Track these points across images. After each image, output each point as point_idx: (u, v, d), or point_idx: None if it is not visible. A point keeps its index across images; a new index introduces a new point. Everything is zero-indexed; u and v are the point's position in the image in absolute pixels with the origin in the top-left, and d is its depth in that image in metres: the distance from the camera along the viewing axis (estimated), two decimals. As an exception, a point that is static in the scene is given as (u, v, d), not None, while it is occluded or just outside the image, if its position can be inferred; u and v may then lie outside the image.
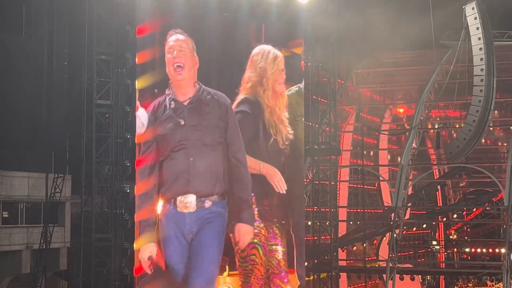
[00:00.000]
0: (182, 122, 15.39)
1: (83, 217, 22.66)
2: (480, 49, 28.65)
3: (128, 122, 22.08)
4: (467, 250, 48.98)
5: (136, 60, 20.74)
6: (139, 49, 20.65)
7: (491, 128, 40.22)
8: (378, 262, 36.88)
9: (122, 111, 22.64)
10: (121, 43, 22.61)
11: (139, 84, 20.24)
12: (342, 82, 36.05)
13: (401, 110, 42.45)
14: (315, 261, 30.11)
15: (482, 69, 29.07)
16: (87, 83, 22.64)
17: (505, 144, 42.40)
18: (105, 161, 22.89)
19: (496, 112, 38.85)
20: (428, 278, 47.29)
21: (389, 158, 42.72)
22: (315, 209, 30.45)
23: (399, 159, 34.87)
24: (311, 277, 30.39)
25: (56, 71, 27.52)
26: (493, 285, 41.38)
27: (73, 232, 26.56)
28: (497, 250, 43.70)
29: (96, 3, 22.46)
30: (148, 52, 20.58)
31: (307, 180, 29.89)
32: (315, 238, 30.37)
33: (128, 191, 22.06)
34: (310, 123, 29.85)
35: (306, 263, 26.38)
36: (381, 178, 38.39)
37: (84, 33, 22.70)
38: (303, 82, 23.72)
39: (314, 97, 30.21)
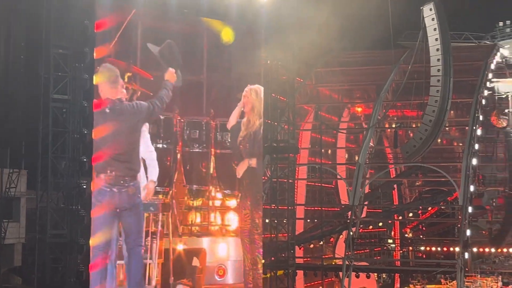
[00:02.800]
0: None
1: (38, 212, 22.46)
2: (437, 50, 28.92)
3: (86, 118, 21.87)
4: (422, 248, 49.55)
5: (95, 55, 20.63)
6: (97, 44, 20.57)
7: (447, 128, 40.66)
8: (334, 260, 37.04)
9: (80, 106, 22.46)
10: (79, 38, 22.41)
11: (96, 79, 20.22)
12: (301, 80, 36.16)
13: (359, 109, 42.73)
14: (272, 258, 30.16)
15: (439, 70, 29.35)
16: (44, 78, 22.40)
17: (461, 144, 42.93)
18: (61, 156, 22.69)
19: (452, 112, 39.32)
20: (384, 276, 47.69)
21: (346, 156, 42.98)
22: (273, 207, 30.50)
23: (356, 157, 35.11)
24: (268, 274, 30.42)
25: (12, 65, 27.11)
26: (447, 283, 41.79)
27: (28, 228, 26.16)
28: (451, 249, 44.25)
29: (55, -3, 22.28)
30: (106, 47, 20.52)
31: (265, 178, 29.92)
32: (272, 235, 30.42)
33: (84, 187, 21.87)
34: (269, 121, 29.88)
35: (263, 261, 26.53)
36: (338, 177, 38.60)
37: (41, 27, 22.47)
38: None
39: (273, 95, 30.27)
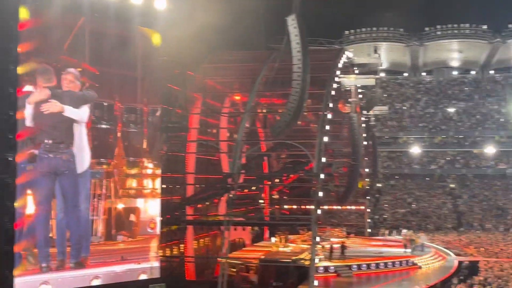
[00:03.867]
0: None
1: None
2: (298, 51, 29.46)
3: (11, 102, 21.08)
4: (286, 207, 50.75)
5: (19, 49, 20.46)
6: (21, 41, 20.45)
7: (305, 113, 41.58)
8: (217, 217, 37.32)
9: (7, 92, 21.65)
10: (5, 35, 21.50)
11: (20, 70, 20.44)
12: (192, 74, 35.99)
13: (238, 98, 43.00)
14: (168, 216, 30.15)
15: (299, 67, 29.95)
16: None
17: (315, 126, 43.98)
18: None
19: (309, 100, 40.17)
20: (256, 228, 48.52)
21: (228, 135, 43.16)
22: (168, 175, 30.41)
23: (235, 135, 35.36)
24: (164, 229, 30.41)
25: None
26: (304, 233, 43.11)
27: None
28: (308, 207, 45.61)
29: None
30: (28, 44, 20.49)
31: (163, 152, 29.77)
32: (168, 198, 30.37)
33: (10, 159, 21.07)
34: (165, 106, 29.74)
35: (161, 218, 26.52)
36: (221, 151, 38.82)
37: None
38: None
39: (169, 85, 30.11)
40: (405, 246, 43.98)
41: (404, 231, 50.58)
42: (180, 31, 28.04)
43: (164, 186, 29.97)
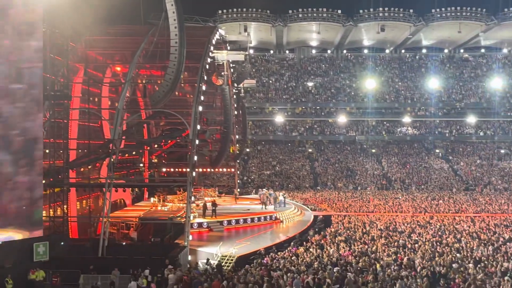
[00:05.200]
0: None
1: None
2: (175, 27, 29.32)
3: None
4: (164, 170, 50.57)
5: None
6: None
7: (182, 84, 41.52)
8: (99, 179, 36.54)
9: None
10: None
11: None
12: (74, 45, 34.51)
13: (119, 69, 41.96)
14: (51, 179, 29.15)
15: (176, 42, 29.85)
16: None
17: (191, 96, 44.05)
18: None
19: (186, 73, 40.19)
20: (136, 190, 48.09)
21: (109, 103, 42.06)
22: (51, 141, 29.35)
23: (116, 104, 34.56)
24: (48, 191, 29.38)
25: None
26: (180, 193, 43.33)
27: None
28: (184, 170, 45.80)
29: None
30: None
31: (45, 119, 28.52)
32: (51, 162, 29.30)
33: None
34: (48, 75, 28.49)
35: (44, 181, 25.50)
36: (103, 118, 37.87)
37: None
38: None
39: (51, 55, 28.82)
40: (263, 204, 45.35)
41: (264, 190, 52.34)
42: (61, 2, 26.72)
43: (47, 151, 28.82)
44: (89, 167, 37.80)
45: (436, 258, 26.34)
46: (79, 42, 34.89)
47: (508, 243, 30.69)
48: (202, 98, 36.52)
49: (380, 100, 79.64)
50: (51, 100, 28.79)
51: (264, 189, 55.01)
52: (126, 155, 45.28)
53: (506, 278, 21.60)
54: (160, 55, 32.20)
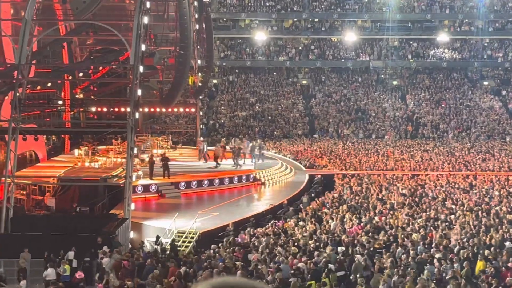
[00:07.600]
0: None
1: None
2: None
3: None
4: (93, 109, 50.33)
5: None
6: None
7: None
8: (0, 123, 36.29)
9: None
10: None
11: None
12: None
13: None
14: None
15: None
16: None
17: (133, 2, 43.45)
18: None
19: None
20: (54, 138, 47.87)
21: (12, 12, 41.39)
22: None
23: (23, 13, 34.00)
24: None
25: None
26: (118, 144, 43.21)
27: None
28: (122, 109, 45.64)
29: None
30: None
31: None
32: None
33: None
34: None
35: None
36: (3, 34, 37.33)
37: None
38: None
39: None
40: (233, 160, 44.63)
41: (236, 140, 51.79)
42: None
43: None
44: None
45: (481, 235, 26.87)
46: None
47: None
48: (148, 5, 36.01)
49: (405, 9, 79.45)
50: None
51: (238, 138, 55.04)
52: (38, 87, 44.88)
53: None
54: None
